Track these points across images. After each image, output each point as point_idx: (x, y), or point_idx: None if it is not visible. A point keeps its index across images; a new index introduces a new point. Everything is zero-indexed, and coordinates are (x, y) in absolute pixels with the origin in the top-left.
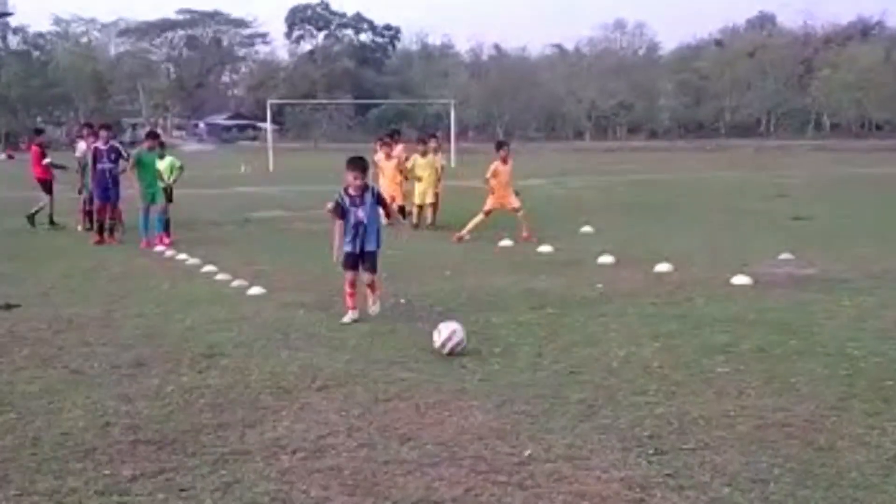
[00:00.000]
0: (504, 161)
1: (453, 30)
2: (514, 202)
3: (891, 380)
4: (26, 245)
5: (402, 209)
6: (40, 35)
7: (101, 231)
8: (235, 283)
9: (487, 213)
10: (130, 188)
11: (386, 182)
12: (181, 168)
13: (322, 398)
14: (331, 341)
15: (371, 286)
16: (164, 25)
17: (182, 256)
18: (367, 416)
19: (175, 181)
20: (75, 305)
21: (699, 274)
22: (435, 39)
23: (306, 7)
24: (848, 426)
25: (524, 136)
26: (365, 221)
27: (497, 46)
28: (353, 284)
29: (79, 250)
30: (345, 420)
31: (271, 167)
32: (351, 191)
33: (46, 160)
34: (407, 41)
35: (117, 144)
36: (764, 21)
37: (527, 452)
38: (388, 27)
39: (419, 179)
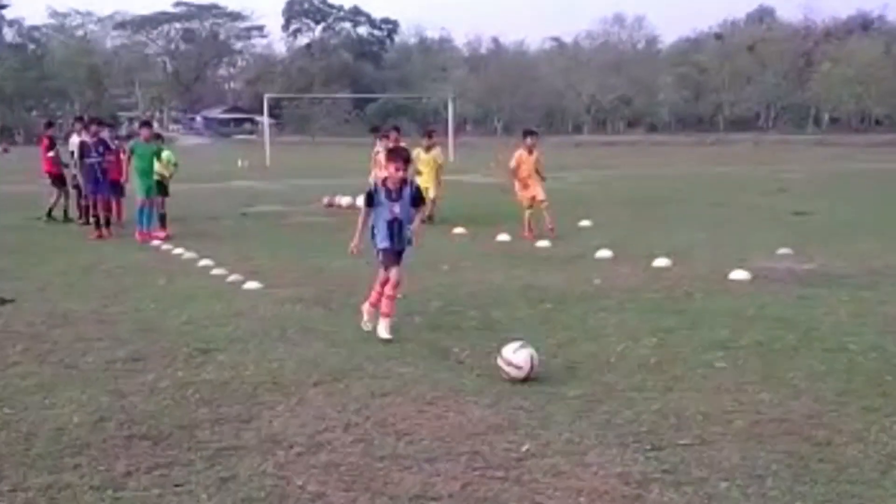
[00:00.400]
0: (529, 151)
1: (451, 23)
2: (541, 193)
3: (889, 375)
4: (22, 240)
5: None
6: (36, 28)
7: (98, 225)
8: (232, 277)
9: (530, 205)
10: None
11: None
12: (176, 165)
13: (319, 393)
14: (328, 336)
15: (397, 286)
16: (161, 18)
17: (178, 251)
18: (364, 411)
19: (171, 176)
20: (71, 300)
21: (698, 269)
22: (433, 33)
23: (303, 0)
24: (846, 422)
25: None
26: (401, 218)
27: (495, 40)
28: (384, 283)
29: (75, 245)
30: (342, 415)
31: (268, 161)
32: (389, 183)
33: (50, 153)
34: (405, 35)
35: (104, 137)
36: (764, 15)
37: (524, 448)
38: (385, 20)
39: (419, 173)
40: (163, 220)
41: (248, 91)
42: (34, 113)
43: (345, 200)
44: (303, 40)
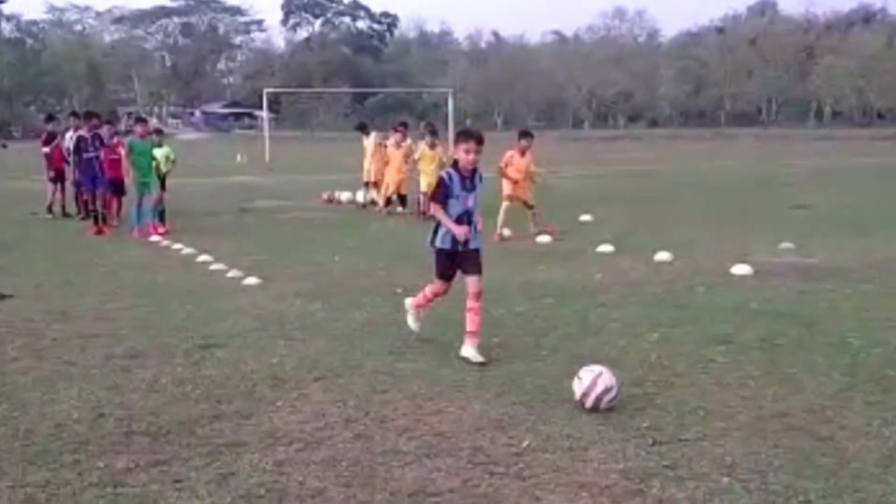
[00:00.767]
0: (522, 153)
1: (451, 17)
2: (531, 198)
3: (892, 370)
4: (21, 236)
5: (402, 198)
6: (34, 23)
7: (97, 221)
8: (231, 273)
9: (511, 199)
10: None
11: (392, 170)
12: (174, 161)
13: (319, 389)
14: (328, 332)
15: (478, 295)
16: (160, 13)
17: (177, 246)
18: (363, 407)
19: (168, 172)
20: (69, 296)
21: (699, 263)
22: (433, 27)
23: None
24: (849, 417)
25: (523, 125)
26: (473, 210)
27: (496, 34)
28: (439, 295)
29: (74, 241)
30: (341, 411)
31: (268, 156)
32: (462, 169)
33: (45, 149)
34: (405, 28)
35: (100, 132)
36: (765, 8)
37: (525, 443)
38: (385, 14)
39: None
40: (162, 215)
41: (247, 86)
42: (32, 108)
43: (344, 195)
44: (302, 34)
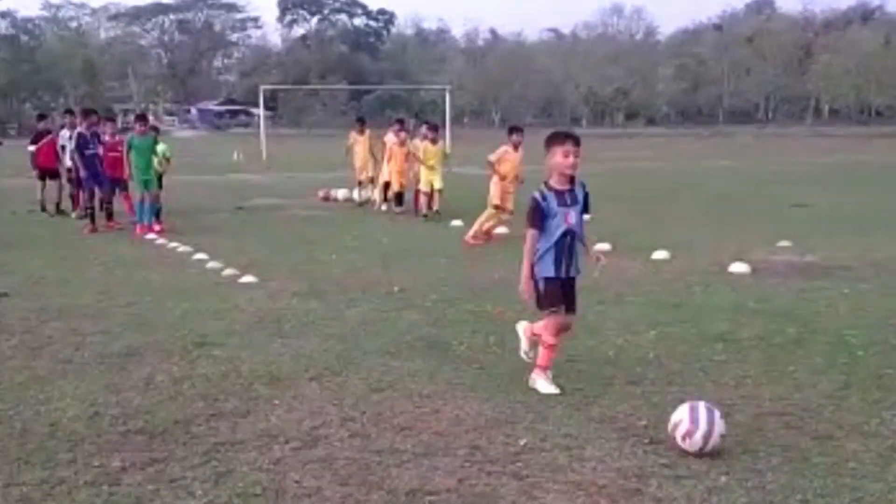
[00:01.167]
0: (515, 148)
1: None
2: (510, 204)
3: (890, 369)
4: (16, 233)
5: (399, 195)
6: (29, 20)
7: (93, 219)
8: (227, 271)
9: (497, 207)
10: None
11: (394, 168)
12: (168, 159)
13: (315, 388)
14: (324, 330)
15: (567, 327)
16: (156, 10)
17: (173, 244)
18: (360, 406)
19: (164, 170)
20: (65, 294)
21: (697, 262)
22: (430, 24)
23: None
24: (846, 415)
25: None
26: (575, 229)
27: (493, 31)
28: (564, 329)
29: (70, 239)
30: (338, 410)
31: (264, 154)
32: (556, 182)
33: (30, 147)
34: (402, 26)
35: (102, 129)
36: (763, 5)
37: (522, 442)
38: (382, 11)
39: (431, 168)
40: (158, 213)
41: (244, 83)
42: (28, 105)
43: (341, 193)
44: (298, 31)
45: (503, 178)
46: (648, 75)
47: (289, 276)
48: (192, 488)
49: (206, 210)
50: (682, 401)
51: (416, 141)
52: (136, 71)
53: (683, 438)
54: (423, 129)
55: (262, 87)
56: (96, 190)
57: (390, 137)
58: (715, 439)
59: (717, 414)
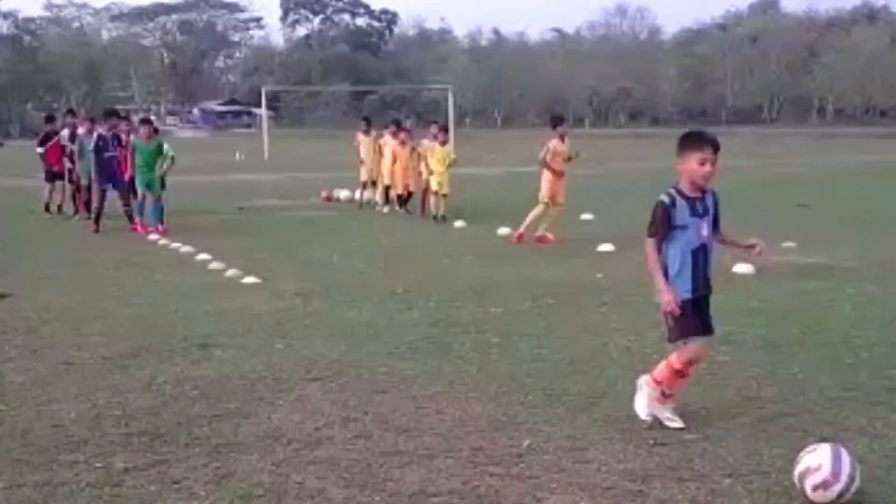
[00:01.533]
0: (562, 139)
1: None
2: (562, 197)
3: (894, 369)
4: (18, 234)
5: (408, 196)
6: (31, 20)
7: (97, 220)
8: (230, 272)
9: (548, 204)
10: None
11: (399, 169)
12: (172, 158)
13: (318, 389)
14: (327, 332)
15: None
16: (158, 10)
17: (176, 245)
18: (363, 407)
19: (166, 171)
20: (67, 295)
21: None
22: (433, 24)
23: None
24: (851, 416)
25: (524, 123)
26: (708, 243)
27: (496, 31)
28: (699, 360)
29: (72, 240)
30: (341, 411)
31: (266, 154)
32: (687, 188)
33: (39, 149)
34: (404, 26)
35: (118, 132)
36: (767, 5)
37: (525, 444)
38: (385, 11)
39: (431, 171)
40: (161, 213)
41: (246, 83)
42: (29, 106)
43: (343, 194)
44: (301, 32)
45: (560, 176)
46: (652, 75)
47: (291, 276)
48: (195, 490)
49: (209, 211)
50: (682, 402)
51: (426, 141)
52: (138, 71)
53: (815, 488)
54: (433, 128)
55: (264, 88)
56: (108, 192)
57: (387, 139)
58: (850, 496)
59: (856, 466)
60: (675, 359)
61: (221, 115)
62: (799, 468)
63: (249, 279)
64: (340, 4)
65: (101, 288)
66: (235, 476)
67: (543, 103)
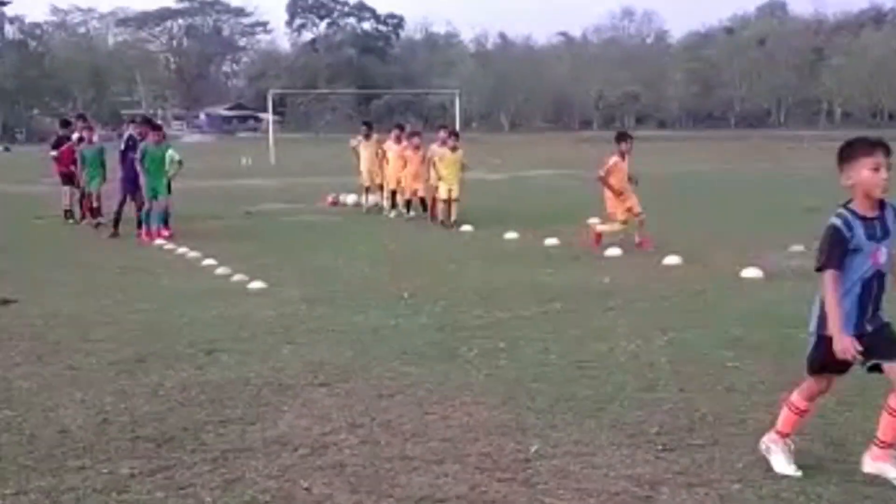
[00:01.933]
0: (623, 156)
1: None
2: (637, 205)
3: None
4: (25, 239)
5: (409, 202)
6: (37, 25)
7: (116, 224)
8: (236, 277)
9: (624, 222)
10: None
11: (409, 174)
12: (180, 162)
13: (324, 394)
14: (333, 337)
15: None
16: (164, 15)
17: (182, 250)
18: (370, 412)
19: (174, 175)
20: (73, 301)
21: (709, 267)
22: (439, 28)
23: None
24: (860, 421)
25: (530, 127)
26: (885, 270)
27: (502, 35)
28: (815, 398)
29: (78, 245)
30: (347, 416)
31: (273, 159)
32: (860, 206)
33: (52, 153)
34: (410, 30)
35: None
36: (774, 8)
37: (533, 449)
38: (391, 16)
39: (442, 177)
40: (167, 219)
41: (252, 88)
42: (35, 111)
43: (350, 198)
44: (307, 36)
45: (619, 194)
46: (659, 79)
47: (297, 282)
48: (201, 495)
49: (215, 215)
50: (690, 406)
51: (435, 146)
52: (143, 76)
53: None
54: (441, 133)
55: (270, 92)
56: (128, 197)
57: (390, 144)
58: None
59: None
60: (797, 398)
61: (227, 119)
62: None
63: (255, 284)
64: (346, 8)
65: (107, 293)
66: (242, 482)
67: (550, 107)
